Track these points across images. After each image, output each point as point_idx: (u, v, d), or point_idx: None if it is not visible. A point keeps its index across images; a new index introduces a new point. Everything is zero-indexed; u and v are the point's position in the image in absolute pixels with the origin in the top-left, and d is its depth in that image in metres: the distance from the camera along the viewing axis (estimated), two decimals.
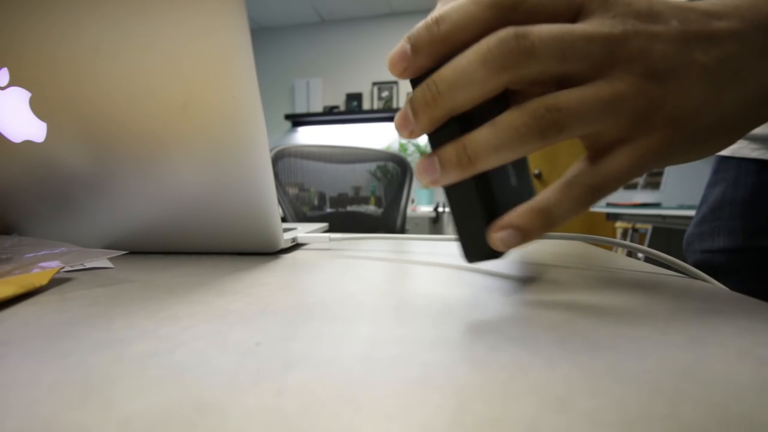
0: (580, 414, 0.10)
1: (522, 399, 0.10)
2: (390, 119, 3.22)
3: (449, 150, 0.18)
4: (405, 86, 3.22)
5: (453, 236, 0.35)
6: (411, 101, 0.18)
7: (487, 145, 0.17)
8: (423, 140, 3.15)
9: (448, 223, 2.97)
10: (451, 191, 0.20)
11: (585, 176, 0.18)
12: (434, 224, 3.01)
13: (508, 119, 0.17)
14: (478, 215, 0.19)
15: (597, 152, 0.19)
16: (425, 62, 0.18)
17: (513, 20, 0.17)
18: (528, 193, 0.24)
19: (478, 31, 0.17)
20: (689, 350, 0.13)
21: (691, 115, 0.18)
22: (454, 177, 0.18)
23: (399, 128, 0.19)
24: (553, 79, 0.18)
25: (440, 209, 2.83)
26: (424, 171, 0.19)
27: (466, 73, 0.17)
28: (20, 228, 0.36)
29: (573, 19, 0.18)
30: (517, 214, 0.18)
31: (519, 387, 0.11)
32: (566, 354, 0.13)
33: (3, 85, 0.29)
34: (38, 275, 0.22)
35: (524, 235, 0.18)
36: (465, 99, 0.17)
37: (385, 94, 3.22)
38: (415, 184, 3.04)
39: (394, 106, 3.21)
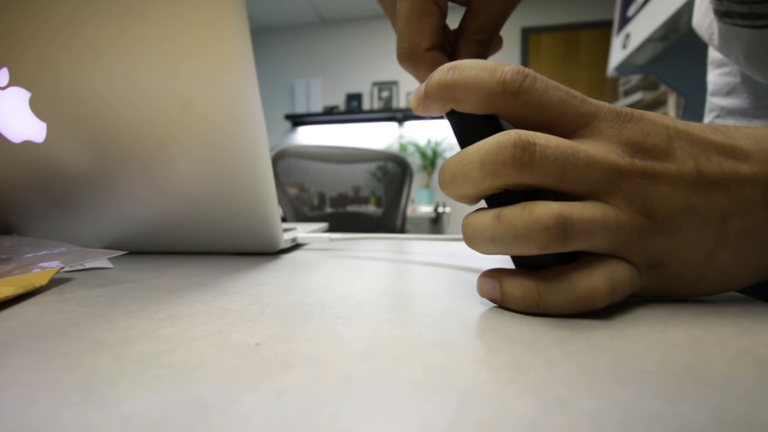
0: (580, 414, 0.10)
1: (522, 399, 0.10)
2: (390, 119, 3.22)
3: (465, 226, 0.18)
4: (405, 86, 3.22)
5: (453, 236, 0.36)
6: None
7: (483, 234, 0.17)
8: (423, 140, 3.15)
9: (447, 223, 2.97)
10: None
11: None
12: (434, 224, 3.01)
13: (512, 217, 0.16)
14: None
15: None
16: (433, 108, 0.19)
17: (513, 105, 0.17)
18: None
19: (481, 99, 0.17)
20: (689, 350, 0.13)
21: (673, 263, 0.17)
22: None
23: None
24: (548, 191, 0.17)
25: (440, 209, 2.83)
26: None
27: (465, 171, 0.17)
28: (20, 228, 0.36)
29: (577, 128, 0.17)
30: (509, 279, 0.18)
31: (519, 387, 0.11)
32: (566, 354, 0.13)
33: (3, 85, 0.29)
34: (38, 275, 0.22)
35: (503, 297, 0.18)
36: (463, 191, 0.18)
37: (385, 94, 3.22)
38: (415, 184, 3.04)
39: (394, 106, 3.21)
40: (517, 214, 0.16)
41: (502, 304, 0.18)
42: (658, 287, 0.18)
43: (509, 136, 0.16)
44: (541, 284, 0.17)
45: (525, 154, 0.16)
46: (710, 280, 0.18)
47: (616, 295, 0.17)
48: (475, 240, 0.18)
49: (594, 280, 0.16)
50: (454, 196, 0.18)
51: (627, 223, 0.16)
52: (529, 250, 0.16)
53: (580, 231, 0.16)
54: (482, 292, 0.19)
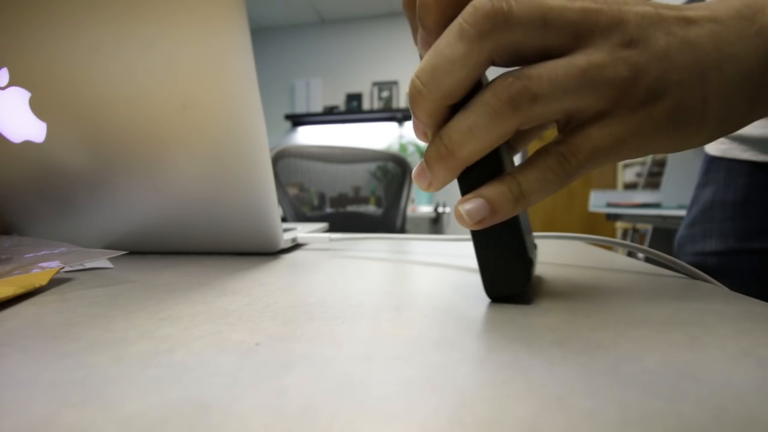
0: (580, 414, 0.10)
1: (522, 399, 0.10)
2: (390, 119, 3.22)
3: (431, 148, 0.18)
4: (405, 86, 3.22)
5: (453, 236, 0.36)
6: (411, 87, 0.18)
7: (461, 129, 0.17)
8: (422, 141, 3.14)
9: (447, 223, 2.97)
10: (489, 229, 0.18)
11: (555, 143, 0.17)
12: (434, 224, 3.01)
13: (479, 97, 0.16)
14: (513, 250, 0.18)
15: (573, 128, 0.18)
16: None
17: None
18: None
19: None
20: (689, 350, 0.13)
21: (673, 89, 0.17)
22: (441, 173, 0.18)
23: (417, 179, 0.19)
24: (536, 56, 0.17)
25: (440, 209, 2.83)
26: (417, 177, 0.19)
27: (445, 54, 0.16)
28: (20, 228, 0.36)
29: None
30: (487, 186, 0.17)
31: (519, 387, 0.11)
32: (566, 354, 0.13)
33: (3, 85, 0.29)
34: (38, 275, 0.22)
35: (492, 208, 0.17)
36: (452, 84, 0.16)
37: (385, 94, 3.22)
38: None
39: (394, 106, 3.20)
40: (484, 91, 0.16)
41: (494, 214, 0.17)
42: (672, 126, 0.17)
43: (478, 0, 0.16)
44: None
45: (501, 3, 0.15)
46: (711, 107, 0.17)
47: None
48: (456, 139, 0.17)
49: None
50: (437, 97, 0.17)
51: (605, 59, 0.16)
52: (507, 117, 0.16)
53: (542, 78, 0.16)
54: (471, 217, 0.18)
